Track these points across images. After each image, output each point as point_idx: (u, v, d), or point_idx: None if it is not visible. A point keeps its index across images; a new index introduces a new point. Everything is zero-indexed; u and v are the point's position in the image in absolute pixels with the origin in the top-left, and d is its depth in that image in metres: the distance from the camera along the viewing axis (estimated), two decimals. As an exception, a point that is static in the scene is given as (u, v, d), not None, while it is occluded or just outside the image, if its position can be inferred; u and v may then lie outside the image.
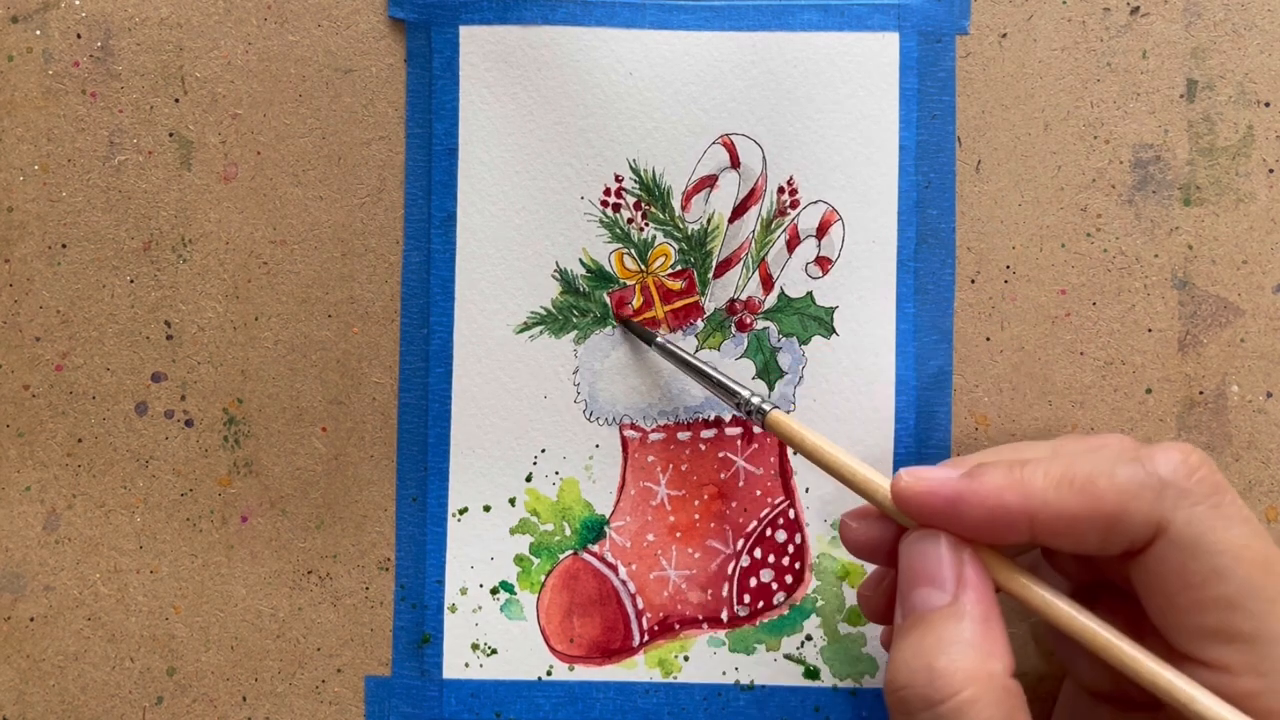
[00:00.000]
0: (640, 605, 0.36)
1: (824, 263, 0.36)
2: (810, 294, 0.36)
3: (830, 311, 0.36)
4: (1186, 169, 0.36)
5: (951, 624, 0.27)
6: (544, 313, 0.36)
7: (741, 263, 0.36)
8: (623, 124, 0.36)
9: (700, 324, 0.36)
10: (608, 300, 0.36)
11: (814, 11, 0.36)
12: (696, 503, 0.36)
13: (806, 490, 0.36)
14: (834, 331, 0.36)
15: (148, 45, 0.36)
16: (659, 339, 0.35)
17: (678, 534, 0.36)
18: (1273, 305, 0.36)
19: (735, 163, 0.36)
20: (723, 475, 0.36)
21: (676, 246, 0.36)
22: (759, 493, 0.36)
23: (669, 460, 0.36)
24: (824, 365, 0.36)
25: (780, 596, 0.36)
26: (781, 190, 0.36)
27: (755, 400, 0.32)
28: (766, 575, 0.36)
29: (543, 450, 0.36)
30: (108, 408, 0.36)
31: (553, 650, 0.36)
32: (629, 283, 0.36)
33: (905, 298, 0.36)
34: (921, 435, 0.36)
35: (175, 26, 0.36)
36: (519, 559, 0.36)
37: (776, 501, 0.36)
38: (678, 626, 0.36)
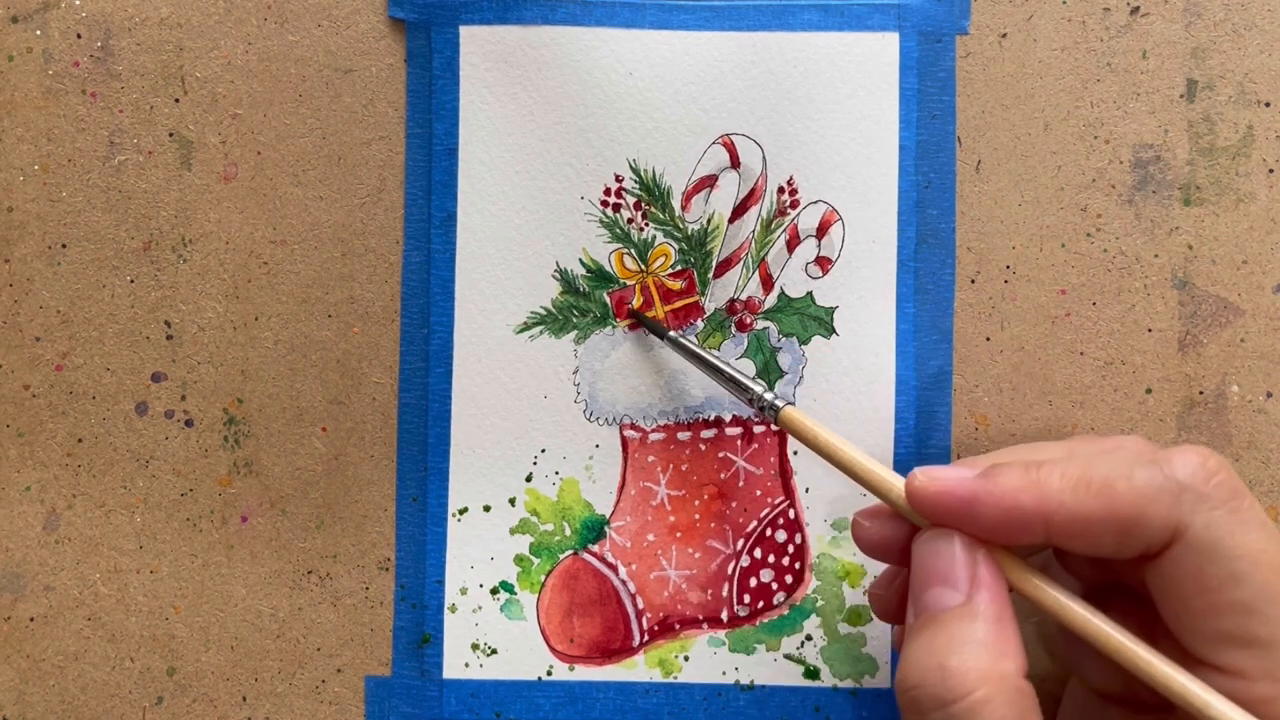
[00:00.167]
0: (640, 605, 0.36)
1: (824, 263, 0.36)
2: (810, 294, 0.36)
3: (830, 311, 0.36)
4: (1186, 169, 0.35)
5: (965, 624, 0.26)
6: (544, 313, 0.36)
7: (741, 263, 0.36)
8: (623, 124, 0.35)
9: (700, 324, 0.36)
10: (608, 300, 0.36)
11: (814, 11, 0.35)
12: (696, 503, 0.36)
13: (806, 490, 0.36)
14: (834, 331, 0.36)
15: (148, 45, 0.36)
16: (671, 333, 0.35)
17: (678, 534, 0.36)
18: (1273, 305, 0.35)
19: (735, 163, 0.35)
20: (723, 475, 0.36)
21: (676, 246, 0.36)
22: (759, 493, 0.36)
23: (669, 460, 0.36)
24: (824, 365, 0.36)
25: (780, 596, 0.36)
26: (781, 190, 0.35)
27: (768, 396, 0.32)
28: (766, 575, 0.36)
29: (543, 450, 0.36)
30: (108, 408, 0.36)
31: (553, 650, 0.36)
32: (629, 283, 0.36)
33: (905, 298, 0.35)
34: (921, 435, 0.35)
35: (175, 26, 0.36)
36: (519, 559, 0.36)
37: (776, 501, 0.36)
38: (678, 626, 0.36)
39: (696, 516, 0.36)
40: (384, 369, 0.36)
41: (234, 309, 0.36)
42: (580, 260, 0.36)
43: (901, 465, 0.35)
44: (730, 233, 0.35)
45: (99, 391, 0.36)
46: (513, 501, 0.36)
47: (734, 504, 0.36)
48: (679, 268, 0.36)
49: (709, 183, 0.35)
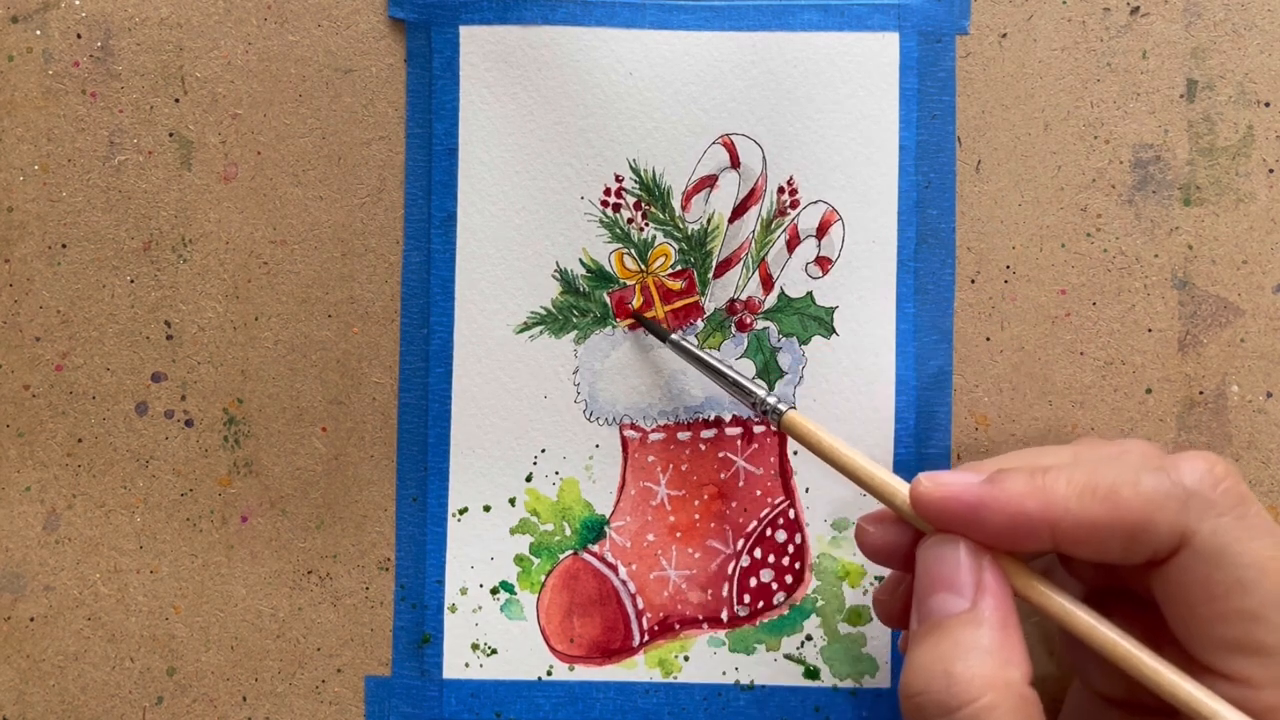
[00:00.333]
0: (640, 605, 0.35)
1: (824, 263, 0.35)
2: (810, 294, 0.35)
3: (830, 311, 0.35)
4: (1186, 169, 0.35)
5: (970, 630, 0.26)
6: (544, 313, 0.35)
7: (741, 263, 0.35)
8: (623, 124, 0.35)
9: (700, 324, 0.35)
10: (608, 300, 0.35)
11: (814, 11, 0.35)
12: (696, 503, 0.36)
13: (806, 490, 0.35)
14: (834, 331, 0.35)
15: (148, 45, 0.35)
16: (673, 336, 0.34)
17: (678, 534, 0.35)
18: (1273, 305, 0.35)
19: (735, 163, 0.35)
20: (723, 475, 0.35)
21: (676, 246, 0.35)
22: (759, 493, 0.35)
23: (669, 460, 0.35)
24: (824, 365, 0.35)
25: (780, 596, 0.35)
26: (781, 190, 0.35)
27: (771, 400, 0.31)
28: (766, 575, 0.35)
29: (543, 450, 0.35)
30: (108, 408, 0.35)
31: (553, 650, 0.35)
32: (629, 283, 0.35)
33: (905, 298, 0.35)
34: (921, 435, 0.35)
35: (175, 26, 0.35)
36: (519, 559, 0.35)
37: (776, 501, 0.35)
38: (678, 626, 0.35)
39: (696, 516, 0.35)
40: (384, 369, 0.35)
41: (234, 309, 0.35)
42: (580, 260, 0.35)
43: (902, 465, 0.35)
44: (730, 233, 0.35)
45: (99, 391, 0.35)
46: (513, 501, 0.35)
47: (734, 504, 0.35)
48: (679, 268, 0.35)
49: (709, 183, 0.35)
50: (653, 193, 0.35)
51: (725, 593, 0.35)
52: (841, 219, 0.35)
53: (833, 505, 0.35)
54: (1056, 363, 0.35)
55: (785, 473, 0.35)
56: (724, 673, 0.35)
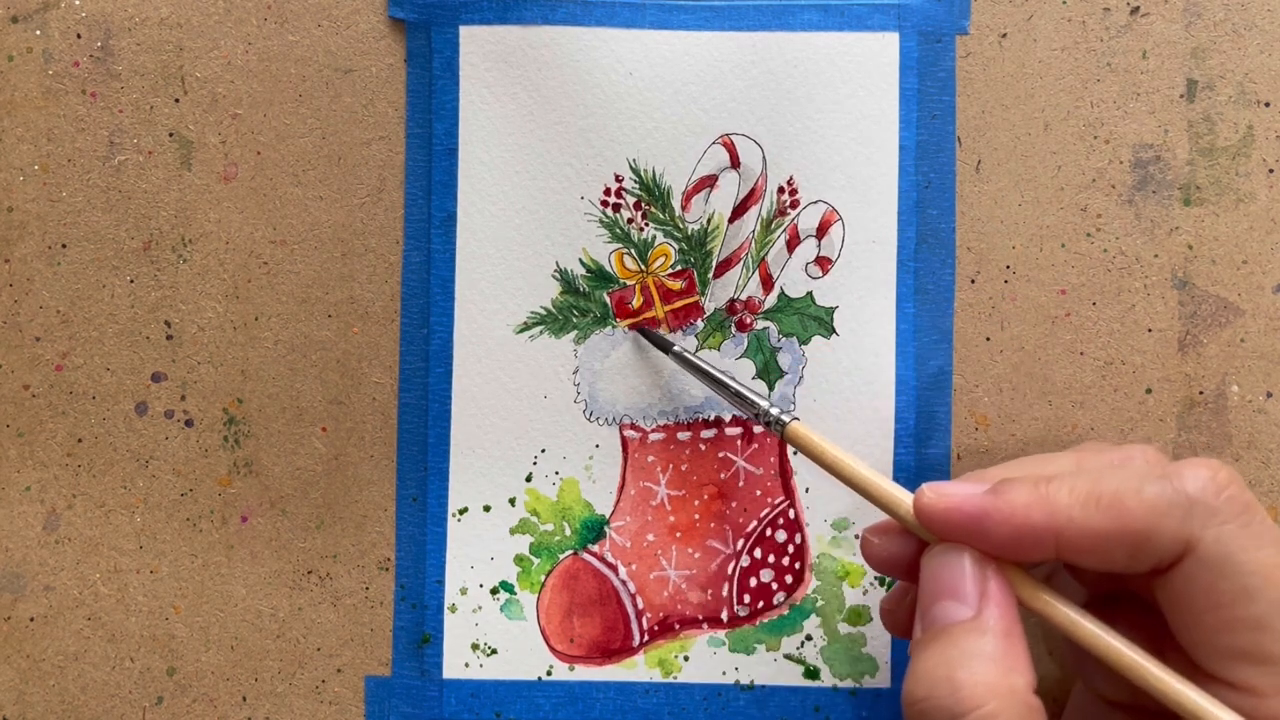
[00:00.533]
0: (640, 605, 0.35)
1: (824, 263, 0.35)
2: (810, 294, 0.35)
3: (830, 311, 0.35)
4: (1186, 169, 0.34)
5: (974, 637, 0.25)
6: (544, 313, 0.35)
7: (741, 263, 0.35)
8: (623, 124, 0.34)
9: (700, 324, 0.35)
10: (608, 300, 0.35)
11: (814, 11, 0.34)
12: (696, 503, 0.35)
13: (806, 490, 0.35)
14: (834, 331, 0.35)
15: (148, 45, 0.35)
16: (676, 348, 0.33)
17: (678, 534, 0.35)
18: (1273, 305, 0.34)
19: (735, 163, 0.34)
20: (723, 475, 0.35)
21: (676, 246, 0.35)
22: (759, 493, 0.35)
23: (669, 460, 0.35)
24: (824, 365, 0.35)
25: (780, 596, 0.35)
26: (781, 190, 0.34)
27: (774, 411, 0.31)
28: (766, 575, 0.35)
29: (543, 450, 0.35)
30: (108, 408, 0.35)
31: (553, 650, 0.35)
32: (629, 283, 0.35)
33: (905, 298, 0.34)
34: (921, 435, 0.34)
35: (175, 26, 0.35)
36: (519, 559, 0.35)
37: (776, 501, 0.35)
38: (678, 626, 0.35)
39: (696, 516, 0.35)
40: (384, 369, 0.35)
41: (234, 309, 0.35)
42: (580, 260, 0.35)
43: (901, 466, 0.34)
44: (730, 233, 0.34)
45: (99, 391, 0.35)
46: (513, 501, 0.35)
47: (734, 504, 0.35)
48: (679, 268, 0.35)
49: (709, 183, 0.34)
50: (653, 193, 0.34)
51: (725, 593, 0.35)
52: (841, 219, 0.34)
53: (833, 505, 0.35)
54: (1056, 363, 0.34)
55: (785, 473, 0.35)
56: (724, 673, 0.34)
